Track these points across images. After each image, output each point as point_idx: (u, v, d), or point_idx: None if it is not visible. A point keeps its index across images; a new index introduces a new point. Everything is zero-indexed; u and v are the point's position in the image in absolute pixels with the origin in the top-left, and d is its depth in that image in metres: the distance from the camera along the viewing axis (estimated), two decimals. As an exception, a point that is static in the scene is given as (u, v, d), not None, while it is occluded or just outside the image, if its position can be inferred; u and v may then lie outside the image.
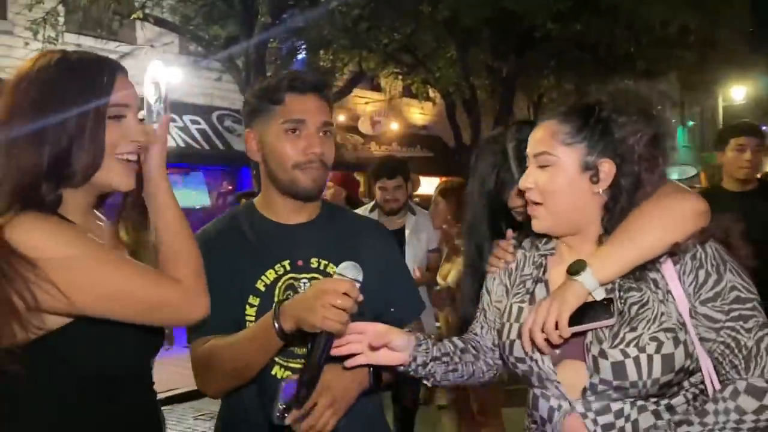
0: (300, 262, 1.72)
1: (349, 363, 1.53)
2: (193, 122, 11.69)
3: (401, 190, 3.97)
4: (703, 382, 1.43)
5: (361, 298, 1.48)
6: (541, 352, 1.45)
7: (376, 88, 16.23)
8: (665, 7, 10.19)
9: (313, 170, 1.69)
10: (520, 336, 1.48)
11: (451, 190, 4.08)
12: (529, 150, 1.52)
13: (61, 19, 9.74)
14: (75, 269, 1.24)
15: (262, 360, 1.57)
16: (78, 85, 1.32)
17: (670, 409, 1.41)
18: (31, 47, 9.69)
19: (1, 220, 1.24)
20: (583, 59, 12.81)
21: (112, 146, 1.34)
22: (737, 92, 25.32)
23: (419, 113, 17.52)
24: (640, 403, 1.40)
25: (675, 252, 1.40)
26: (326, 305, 1.43)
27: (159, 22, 10.19)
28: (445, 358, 1.62)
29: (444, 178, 17.33)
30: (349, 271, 1.50)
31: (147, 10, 9.78)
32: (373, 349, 1.53)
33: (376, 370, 1.63)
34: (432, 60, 12.17)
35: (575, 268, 1.41)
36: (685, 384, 1.43)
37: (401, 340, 1.55)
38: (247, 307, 1.68)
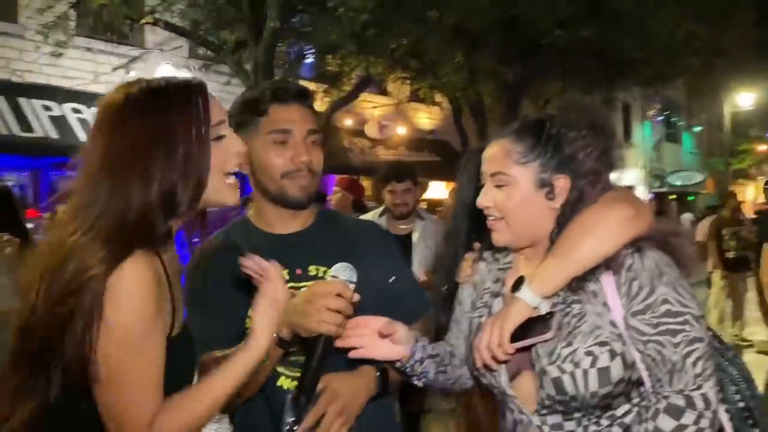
0: (299, 271, 1.72)
1: (353, 354, 1.56)
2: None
3: (411, 194, 3.98)
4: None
5: (356, 298, 1.49)
6: (490, 369, 1.50)
7: (384, 92, 16.27)
8: (672, 14, 10.20)
9: (302, 178, 1.70)
10: None
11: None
12: (484, 169, 1.55)
13: (72, 23, 9.83)
14: (123, 351, 1.22)
15: (265, 370, 1.56)
16: (178, 114, 1.30)
17: (621, 426, 1.42)
18: (42, 50, 9.81)
19: (113, 256, 1.20)
20: (589, 66, 12.80)
21: (219, 167, 1.34)
22: (745, 99, 25.26)
23: (426, 118, 17.55)
24: (593, 426, 1.43)
25: (609, 264, 1.42)
26: (320, 309, 1.43)
27: (169, 27, 10.26)
28: (437, 358, 1.66)
29: (452, 183, 17.34)
30: (341, 272, 1.51)
31: (157, 15, 9.87)
32: (382, 336, 1.55)
33: (383, 375, 1.65)
34: (439, 65, 12.19)
35: (516, 285, 1.46)
36: (634, 395, 1.43)
37: (404, 332, 1.59)
38: (248, 320, 1.65)
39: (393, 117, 16.02)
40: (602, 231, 1.42)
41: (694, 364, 1.36)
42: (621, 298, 1.41)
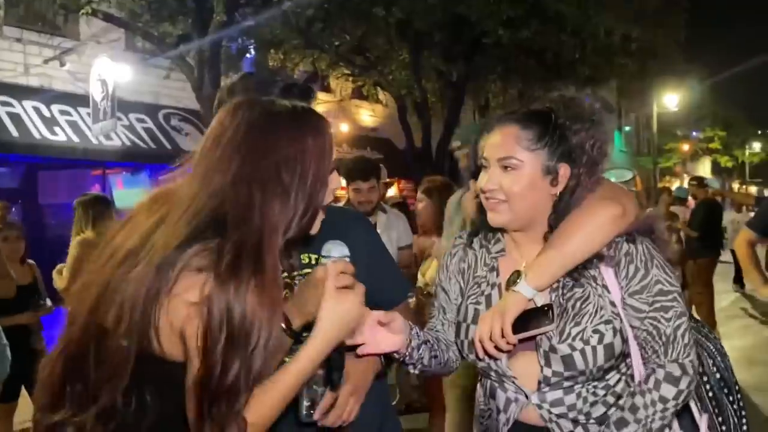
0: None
1: (360, 351, 1.57)
2: (139, 121, 11.40)
3: (375, 192, 4.01)
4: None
5: (351, 269, 1.50)
6: (494, 358, 1.59)
7: (326, 89, 16.21)
8: (610, 16, 10.58)
9: None
10: None
11: (435, 188, 4.11)
12: (490, 154, 1.60)
13: (1, 12, 9.35)
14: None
15: (277, 363, 1.55)
16: (314, 142, 1.31)
17: (614, 394, 1.57)
18: (-31, 40, 9.29)
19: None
20: (529, 65, 13.13)
21: (328, 196, 1.37)
22: (671, 100, 26.44)
23: (369, 115, 17.59)
24: (591, 397, 1.56)
25: (602, 256, 1.55)
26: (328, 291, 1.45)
27: (108, 18, 9.90)
28: (429, 344, 1.70)
29: (393, 180, 17.44)
30: (335, 250, 1.53)
31: (94, 5, 9.49)
32: (381, 325, 1.58)
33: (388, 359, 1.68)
34: (384, 62, 12.25)
35: (513, 279, 1.56)
36: (622, 367, 1.58)
37: (400, 321, 1.62)
38: None
39: (335, 114, 15.98)
40: (591, 229, 1.54)
41: (683, 335, 1.53)
42: (620, 280, 1.55)
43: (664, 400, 1.49)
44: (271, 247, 1.24)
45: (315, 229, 1.40)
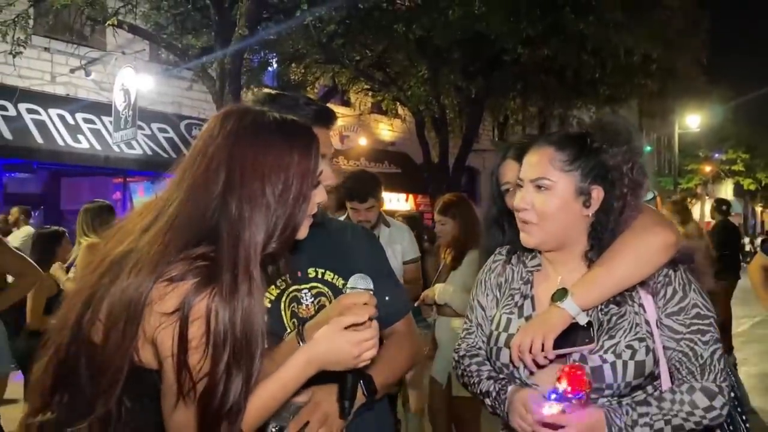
0: (299, 273, 1.73)
1: None
2: (161, 130, 11.59)
3: (373, 211, 3.92)
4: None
5: (375, 301, 1.50)
6: (531, 372, 1.58)
7: (346, 103, 16.33)
8: (630, 36, 10.55)
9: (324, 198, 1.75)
10: (507, 344, 1.62)
11: (449, 205, 4.05)
12: (526, 174, 1.64)
13: (31, 22, 9.58)
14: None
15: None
16: (299, 155, 1.30)
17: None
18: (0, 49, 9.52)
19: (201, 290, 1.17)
20: (548, 83, 13.13)
21: (310, 212, 1.36)
22: (692, 120, 26.20)
23: (388, 130, 17.68)
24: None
25: (642, 283, 1.57)
26: (358, 343, 1.43)
27: (133, 30, 10.09)
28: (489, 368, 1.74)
29: (411, 195, 17.45)
30: (360, 282, 1.54)
31: (120, 17, 9.70)
32: None
33: (368, 382, 1.65)
34: (403, 78, 12.32)
35: (559, 296, 1.56)
36: (649, 389, 1.58)
37: None
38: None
39: (355, 128, 16.09)
40: (645, 256, 1.56)
41: (719, 360, 1.55)
42: (658, 301, 1.58)
43: (693, 405, 1.51)
44: (257, 262, 1.25)
45: (302, 236, 1.39)
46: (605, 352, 1.53)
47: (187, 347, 1.16)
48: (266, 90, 12.39)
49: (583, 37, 10.43)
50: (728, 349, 7.63)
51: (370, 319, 1.46)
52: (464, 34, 10.14)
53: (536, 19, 10.05)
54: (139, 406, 1.25)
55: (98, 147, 10.42)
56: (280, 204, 1.27)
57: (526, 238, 1.64)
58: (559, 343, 1.52)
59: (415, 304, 4.13)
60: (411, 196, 17.90)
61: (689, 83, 16.04)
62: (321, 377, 1.57)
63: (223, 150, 1.26)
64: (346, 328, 1.37)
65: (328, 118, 1.74)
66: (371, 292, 1.52)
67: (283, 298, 1.70)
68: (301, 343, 1.48)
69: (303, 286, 1.72)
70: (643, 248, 1.55)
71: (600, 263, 1.57)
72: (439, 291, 3.91)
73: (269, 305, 1.69)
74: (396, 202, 17.45)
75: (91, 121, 10.68)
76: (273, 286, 1.70)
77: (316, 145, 1.36)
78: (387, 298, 1.79)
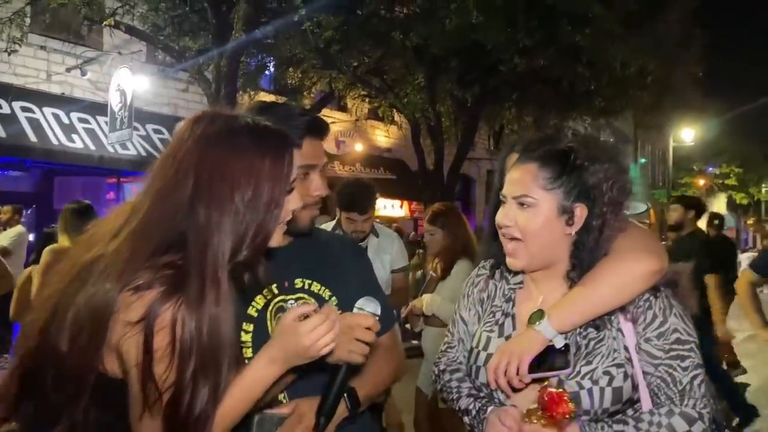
0: (286, 284, 1.74)
1: None
2: (156, 131, 11.56)
3: (369, 222, 3.90)
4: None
5: (378, 327, 1.52)
6: (506, 394, 1.58)
7: (343, 108, 16.35)
8: (626, 49, 10.60)
9: (315, 209, 1.74)
10: (486, 364, 1.61)
11: (438, 215, 4.03)
12: (508, 191, 1.62)
13: (28, 20, 9.56)
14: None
15: (275, 391, 1.53)
16: (272, 162, 1.28)
17: None
18: (-4, 46, 9.50)
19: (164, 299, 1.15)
20: (544, 93, 13.17)
21: (282, 218, 1.34)
22: (687, 134, 26.34)
23: (384, 136, 17.69)
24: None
25: (622, 309, 1.55)
26: (351, 339, 1.47)
27: (130, 30, 10.08)
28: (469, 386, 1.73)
29: (406, 201, 17.45)
30: (368, 305, 1.55)
31: (117, 17, 9.69)
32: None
33: (352, 395, 1.65)
34: (400, 85, 12.34)
35: (535, 318, 1.54)
36: (629, 412, 1.55)
37: None
38: (242, 333, 1.67)
39: (351, 134, 16.10)
40: (625, 281, 1.53)
41: (700, 386, 1.53)
42: (637, 326, 1.56)
43: (671, 428, 1.49)
44: (225, 269, 1.23)
45: (276, 243, 1.37)
46: (582, 378, 1.51)
47: (153, 357, 1.14)
48: (261, 99, 12.41)
49: (579, 49, 10.46)
50: (735, 362, 7.72)
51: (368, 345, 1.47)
52: (461, 43, 10.16)
53: (533, 30, 10.08)
54: (105, 416, 1.23)
55: (92, 147, 10.38)
56: (249, 210, 1.24)
57: (513, 262, 1.63)
58: (534, 365, 1.51)
59: (403, 315, 4.12)
60: (405, 203, 17.91)
61: (684, 97, 16.13)
62: (308, 389, 1.58)
63: (192, 155, 1.24)
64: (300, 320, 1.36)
65: (321, 129, 1.74)
66: (377, 318, 1.53)
67: (270, 308, 1.70)
68: None
69: (289, 297, 1.72)
70: (624, 274, 1.53)
71: (579, 286, 1.56)
72: (426, 302, 3.90)
73: (255, 315, 1.69)
74: (390, 208, 17.46)
75: (86, 121, 10.64)
76: (260, 296, 1.70)
77: (290, 151, 1.34)
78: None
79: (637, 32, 10.63)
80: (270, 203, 1.27)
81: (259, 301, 1.71)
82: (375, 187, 4.01)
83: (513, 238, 1.61)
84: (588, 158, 1.57)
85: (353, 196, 3.79)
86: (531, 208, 1.57)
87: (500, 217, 1.63)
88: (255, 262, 1.34)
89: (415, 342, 4.68)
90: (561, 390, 1.48)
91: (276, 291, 1.71)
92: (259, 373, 1.35)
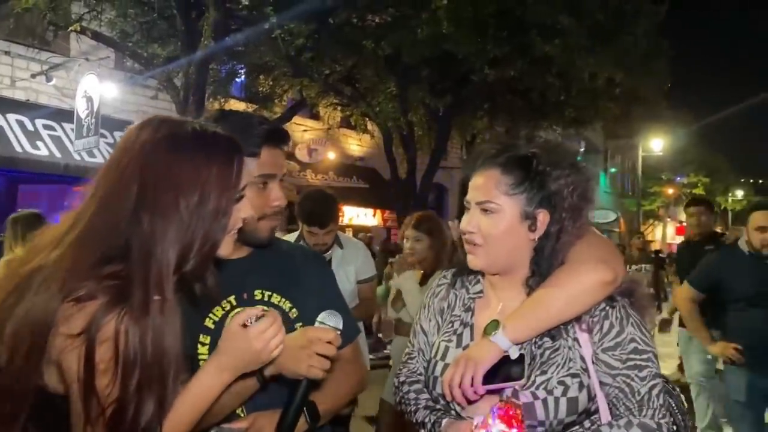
0: (245, 296, 1.71)
1: None
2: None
3: (331, 234, 3.84)
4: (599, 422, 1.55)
5: (339, 342, 1.51)
6: (461, 406, 1.56)
7: (315, 116, 16.31)
8: (595, 60, 10.76)
9: (274, 220, 1.71)
10: (442, 374, 1.59)
11: (425, 220, 3.93)
12: (472, 197, 1.61)
13: (-10, 25, 9.38)
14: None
15: (235, 404, 1.53)
16: (219, 169, 1.25)
17: None
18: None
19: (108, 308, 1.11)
20: (515, 104, 13.31)
21: (231, 227, 1.31)
22: (656, 144, 26.82)
23: (356, 144, 17.69)
24: None
25: (577, 319, 1.54)
26: (312, 354, 1.45)
27: (96, 36, 9.94)
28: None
29: (378, 210, 17.45)
30: (330, 319, 1.53)
31: (84, 23, 9.54)
32: None
33: (312, 409, 1.63)
34: (372, 94, 12.35)
35: (490, 328, 1.52)
36: (586, 423, 1.54)
37: None
38: (199, 346, 1.65)
39: (323, 142, 16.06)
40: (580, 291, 1.52)
41: (658, 396, 1.51)
42: (592, 335, 1.54)
43: None
44: (170, 279, 1.20)
45: (225, 252, 1.34)
46: (537, 388, 1.50)
47: (95, 371, 1.10)
48: (231, 106, 12.32)
49: (549, 60, 10.59)
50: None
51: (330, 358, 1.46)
52: (433, 52, 10.21)
53: (503, 41, 10.18)
54: None
55: (58, 154, 10.18)
56: (195, 218, 1.21)
57: (473, 260, 1.61)
58: (490, 375, 1.49)
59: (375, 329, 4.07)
60: (378, 212, 17.91)
61: (652, 108, 16.41)
62: (266, 402, 1.55)
63: (137, 161, 1.20)
64: (243, 326, 1.34)
65: (280, 139, 1.71)
66: (338, 332, 1.51)
67: (228, 320, 1.66)
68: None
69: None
70: (578, 285, 1.52)
71: (534, 297, 1.54)
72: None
73: (212, 327, 1.65)
74: (363, 217, 17.44)
75: (52, 128, 10.44)
76: (218, 308, 1.67)
77: (239, 157, 1.30)
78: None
79: (605, 44, 10.79)
80: (217, 211, 1.23)
81: (217, 312, 1.68)
82: (337, 198, 3.93)
83: (475, 245, 1.60)
84: (550, 164, 1.56)
85: (314, 210, 3.73)
86: (494, 214, 1.56)
87: (464, 224, 1.62)
88: (203, 272, 1.31)
89: (387, 351, 4.63)
90: (511, 404, 1.46)
91: (234, 303, 1.69)
92: (207, 382, 1.32)
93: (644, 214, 31.51)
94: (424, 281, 3.87)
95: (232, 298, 1.69)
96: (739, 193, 43.35)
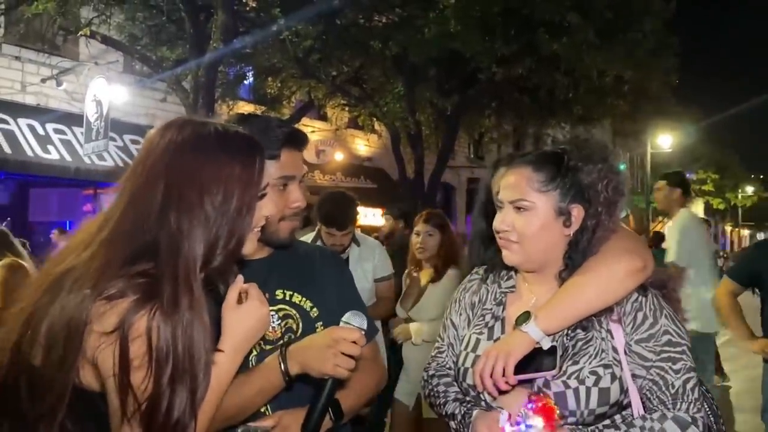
0: (267, 295, 1.71)
1: None
2: (134, 142, 11.45)
3: (349, 236, 3.87)
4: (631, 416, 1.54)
5: (364, 342, 1.53)
6: (492, 396, 1.55)
7: (322, 117, 16.34)
8: (603, 58, 10.74)
9: (294, 221, 1.73)
10: (473, 365, 1.58)
11: (436, 216, 3.99)
12: (504, 196, 1.62)
13: (1, 30, 9.45)
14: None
15: (260, 402, 1.55)
16: (242, 168, 1.28)
17: None
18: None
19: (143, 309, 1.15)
20: (523, 102, 13.29)
21: (255, 224, 1.34)
22: (664, 141, 26.69)
23: (364, 145, 17.70)
24: None
25: (609, 310, 1.53)
26: (337, 354, 1.48)
27: (106, 40, 10.00)
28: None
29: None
30: (355, 320, 1.55)
31: (93, 27, 9.61)
32: None
33: (336, 406, 1.63)
34: (379, 94, 12.37)
35: (522, 319, 1.52)
36: (617, 418, 1.53)
37: None
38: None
39: (331, 142, 16.09)
40: (610, 280, 1.51)
41: (693, 389, 1.50)
42: (625, 326, 1.53)
43: None
44: (198, 276, 1.22)
45: (249, 251, 1.37)
46: (568, 377, 1.49)
47: (129, 366, 1.12)
48: (240, 108, 12.37)
49: (557, 58, 10.57)
50: (718, 368, 7.66)
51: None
52: (440, 52, 10.22)
53: (511, 39, 10.18)
54: (81, 429, 1.20)
55: (68, 158, 10.26)
56: (220, 216, 1.23)
57: (509, 256, 1.62)
58: (522, 367, 1.49)
59: (393, 332, 4.08)
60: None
61: (661, 104, 16.35)
62: (291, 401, 1.57)
63: (162, 161, 1.24)
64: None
65: (299, 141, 1.73)
66: (363, 332, 1.54)
67: None
68: (281, 363, 1.50)
69: (271, 308, 1.70)
70: (607, 275, 1.51)
71: (565, 288, 1.54)
72: (414, 332, 3.87)
73: None
74: (372, 217, 17.45)
75: (62, 132, 10.52)
76: None
77: (261, 156, 1.33)
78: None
79: (613, 41, 10.77)
80: (241, 208, 1.26)
81: None
82: (356, 200, 3.96)
83: (510, 242, 1.60)
84: (581, 159, 1.56)
85: (333, 212, 3.75)
86: (528, 211, 1.57)
87: (498, 223, 1.62)
88: (229, 269, 1.34)
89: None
90: (546, 399, 1.46)
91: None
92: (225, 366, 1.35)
93: (654, 211, 31.39)
94: (436, 277, 3.89)
95: None
96: (749, 190, 43.10)
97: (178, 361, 1.15)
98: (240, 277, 1.40)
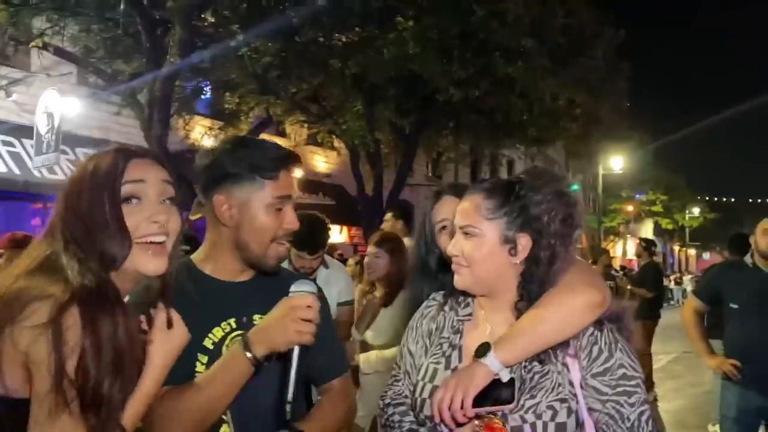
0: (244, 319, 1.74)
1: None
2: (86, 156, 11.19)
3: (319, 260, 3.80)
4: None
5: (318, 304, 1.58)
6: (449, 428, 1.55)
7: (281, 133, 16.27)
8: (556, 82, 11.05)
9: (283, 246, 1.75)
10: (431, 396, 1.59)
11: (387, 239, 3.94)
12: (456, 221, 1.66)
13: (-53, 39, 9.18)
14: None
15: (230, 395, 1.58)
16: (94, 175, 1.36)
17: None
18: None
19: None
20: (479, 123, 13.52)
21: (132, 230, 1.32)
22: (616, 162, 27.47)
23: (323, 161, 17.69)
24: None
25: (564, 344, 1.55)
26: (296, 320, 1.54)
27: (59, 52, 9.79)
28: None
29: (345, 227, 17.41)
30: (302, 286, 1.61)
31: (46, 38, 9.40)
32: None
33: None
34: (339, 112, 12.41)
35: (481, 351, 1.54)
36: None
37: None
38: (198, 364, 1.66)
39: (289, 159, 16.00)
40: (569, 313, 1.54)
41: (647, 422, 1.52)
42: (581, 360, 1.55)
43: None
44: (108, 277, 1.30)
45: (153, 270, 1.36)
46: (526, 412, 1.50)
47: (63, 353, 1.15)
48: (196, 123, 12.23)
49: (512, 81, 10.82)
50: (650, 386, 7.87)
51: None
52: (398, 72, 10.34)
53: (467, 62, 10.38)
54: None
55: (17, 171, 9.97)
56: (86, 238, 1.30)
57: (459, 280, 1.65)
58: (480, 399, 1.50)
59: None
60: (345, 228, 17.90)
61: (612, 127, 16.87)
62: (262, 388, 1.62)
63: (64, 194, 1.36)
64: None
65: (295, 162, 1.77)
66: (314, 295, 1.60)
67: (227, 342, 1.70)
68: (245, 351, 1.54)
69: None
70: (567, 308, 1.53)
71: (524, 320, 1.56)
72: (363, 362, 3.85)
73: (211, 347, 1.69)
74: (331, 233, 17.40)
75: (11, 144, 10.22)
76: (217, 328, 1.71)
77: (119, 162, 1.39)
78: (324, 354, 1.81)
79: (566, 66, 11.10)
80: (100, 214, 1.32)
81: (217, 333, 1.70)
82: (328, 223, 3.89)
83: (460, 266, 1.64)
84: (532, 189, 1.59)
85: (305, 236, 3.62)
86: (475, 237, 1.60)
87: (450, 248, 1.66)
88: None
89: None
90: (498, 426, 1.48)
91: (234, 325, 1.72)
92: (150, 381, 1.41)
93: (605, 230, 32.14)
94: (389, 300, 3.88)
95: (232, 321, 1.72)
96: (696, 211, 44.57)
97: (109, 350, 1.20)
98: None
